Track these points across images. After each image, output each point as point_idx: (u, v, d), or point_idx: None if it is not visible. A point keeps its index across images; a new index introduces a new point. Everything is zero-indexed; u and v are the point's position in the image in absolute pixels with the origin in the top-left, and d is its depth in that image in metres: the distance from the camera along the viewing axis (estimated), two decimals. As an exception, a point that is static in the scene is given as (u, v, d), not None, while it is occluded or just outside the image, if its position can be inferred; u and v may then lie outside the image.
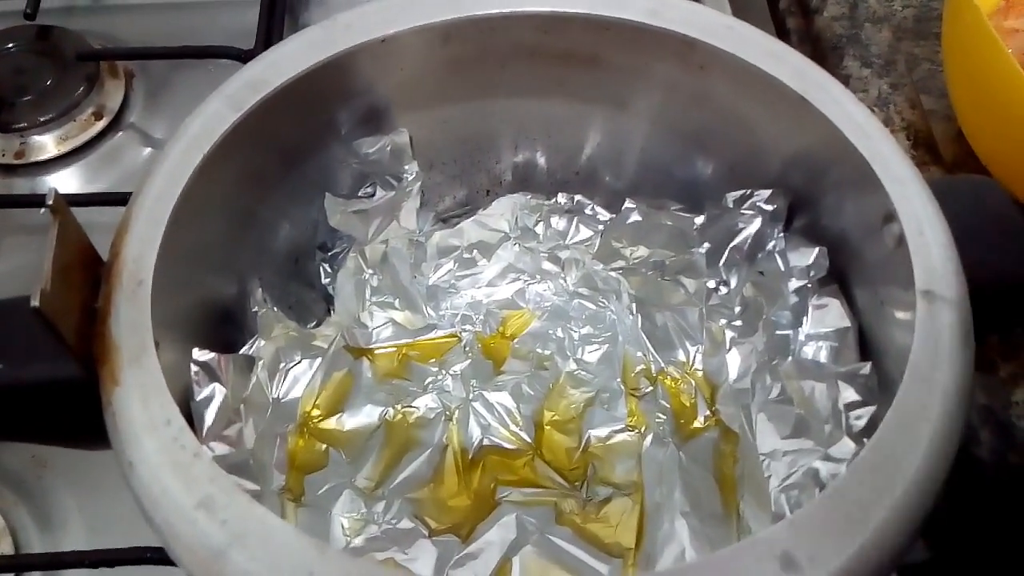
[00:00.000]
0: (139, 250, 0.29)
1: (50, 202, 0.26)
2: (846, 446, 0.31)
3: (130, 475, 0.25)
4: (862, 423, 0.31)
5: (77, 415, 0.28)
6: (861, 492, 0.24)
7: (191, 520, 0.24)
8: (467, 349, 0.40)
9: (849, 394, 0.32)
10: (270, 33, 0.51)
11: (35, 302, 0.24)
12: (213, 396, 0.29)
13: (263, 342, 0.35)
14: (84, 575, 0.39)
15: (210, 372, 0.29)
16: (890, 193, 0.30)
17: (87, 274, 0.28)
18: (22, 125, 0.51)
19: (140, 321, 0.27)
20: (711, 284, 0.39)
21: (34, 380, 0.28)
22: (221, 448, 0.30)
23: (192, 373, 0.29)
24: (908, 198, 0.30)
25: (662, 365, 0.40)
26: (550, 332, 0.41)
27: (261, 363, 0.35)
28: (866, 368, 0.32)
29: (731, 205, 0.37)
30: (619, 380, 0.39)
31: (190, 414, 0.30)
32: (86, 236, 0.28)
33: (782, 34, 0.57)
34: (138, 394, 0.26)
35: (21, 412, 0.29)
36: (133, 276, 0.28)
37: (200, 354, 0.30)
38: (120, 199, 0.44)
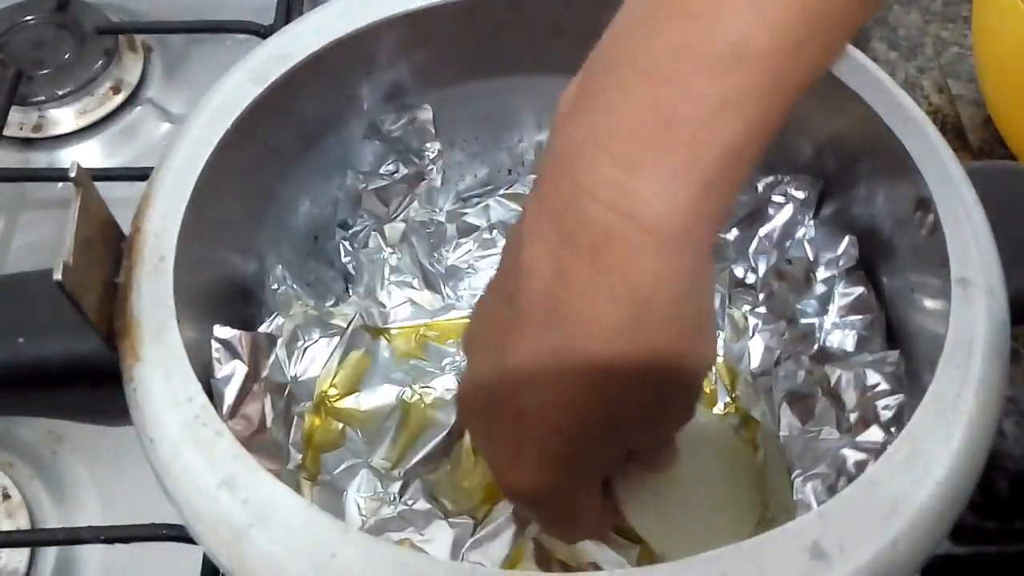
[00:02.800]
0: (161, 225, 0.28)
1: (73, 175, 0.26)
2: (874, 435, 0.30)
3: (151, 452, 0.25)
4: (891, 412, 0.31)
5: (97, 391, 0.28)
6: (893, 484, 0.24)
7: (213, 499, 0.23)
8: (485, 330, 0.40)
9: (877, 382, 0.31)
10: (289, 8, 0.51)
11: (57, 276, 0.24)
12: (234, 373, 0.29)
13: (282, 319, 0.35)
14: (99, 550, 0.40)
15: (231, 349, 0.29)
16: (926, 179, 0.30)
17: (109, 248, 0.28)
18: (40, 99, 0.51)
19: (162, 297, 0.27)
20: (739, 271, 0.38)
21: (54, 355, 0.28)
22: (240, 426, 0.29)
23: (213, 350, 0.29)
24: (944, 184, 0.29)
25: (681, 350, 0.39)
26: (569, 314, 0.40)
27: (280, 340, 0.34)
28: (894, 356, 0.32)
29: (761, 191, 0.37)
30: (639, 364, 0.39)
31: (210, 390, 0.29)
32: (108, 210, 0.28)
33: (807, 16, 0.56)
34: (160, 370, 0.26)
35: (41, 387, 0.29)
36: (155, 251, 0.28)
37: (221, 331, 0.29)
38: (139, 174, 0.44)
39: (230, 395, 0.28)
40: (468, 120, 0.40)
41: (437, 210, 0.40)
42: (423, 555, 0.22)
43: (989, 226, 0.29)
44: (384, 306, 0.40)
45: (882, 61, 0.51)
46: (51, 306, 0.26)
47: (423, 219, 0.40)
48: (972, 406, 0.25)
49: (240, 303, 0.35)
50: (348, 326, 0.38)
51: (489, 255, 0.41)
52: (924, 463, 0.24)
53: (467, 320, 0.40)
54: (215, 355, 0.29)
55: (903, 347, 0.32)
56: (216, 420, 0.25)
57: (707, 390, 0.38)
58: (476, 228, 0.41)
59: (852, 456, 0.30)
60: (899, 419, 0.31)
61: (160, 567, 0.39)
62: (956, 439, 0.25)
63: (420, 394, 0.38)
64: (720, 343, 0.39)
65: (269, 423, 0.32)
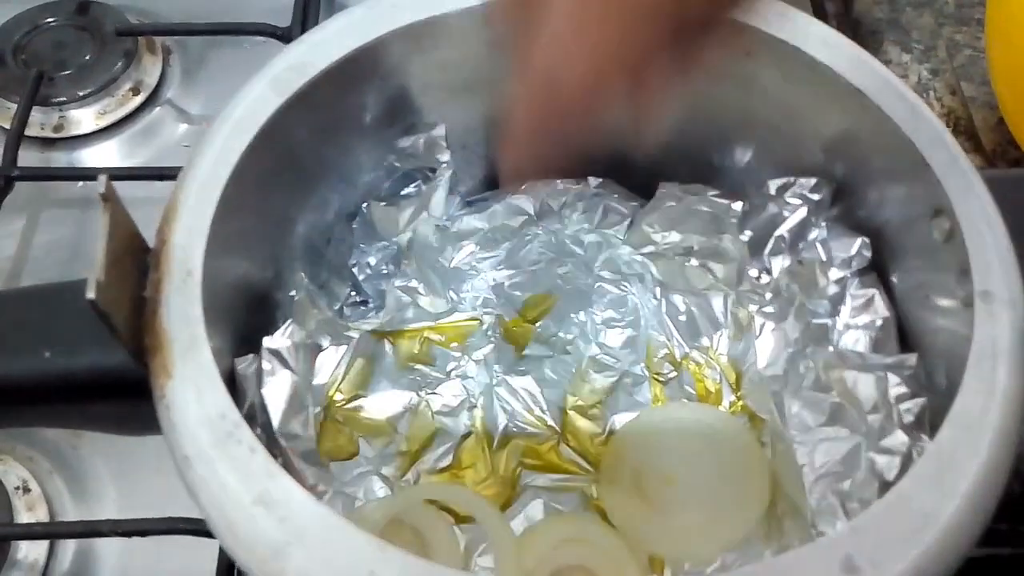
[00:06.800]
0: (187, 239, 0.28)
1: (101, 190, 0.25)
2: (898, 438, 0.30)
3: (186, 470, 0.25)
4: (912, 416, 0.31)
5: (123, 403, 0.28)
6: (923, 499, 0.24)
7: (249, 517, 0.24)
8: (489, 333, 0.40)
9: (897, 385, 0.32)
10: (306, 10, 0.51)
11: (91, 294, 0.24)
12: (284, 384, 0.29)
13: (295, 326, 0.35)
14: (117, 543, 0.40)
15: (281, 360, 0.29)
16: (946, 188, 0.30)
17: (135, 262, 0.28)
18: (61, 99, 0.52)
19: (191, 312, 0.27)
20: (753, 273, 0.38)
21: (81, 368, 0.28)
22: (291, 437, 0.29)
23: (263, 361, 0.29)
24: (965, 194, 0.30)
25: (686, 350, 0.39)
26: (572, 316, 0.40)
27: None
28: (912, 359, 0.32)
29: (774, 193, 0.37)
30: (643, 365, 0.39)
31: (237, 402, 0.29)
32: (134, 223, 0.28)
33: (820, 18, 0.56)
34: (192, 387, 0.26)
35: (67, 401, 0.29)
36: (182, 265, 0.28)
37: (270, 341, 0.29)
38: (158, 174, 0.44)
39: (281, 406, 0.28)
40: (478, 123, 0.39)
41: (443, 217, 0.40)
42: (460, 571, 0.22)
43: (1009, 237, 0.29)
44: (390, 310, 0.39)
45: (895, 63, 0.51)
46: (76, 318, 0.27)
47: (429, 226, 0.39)
48: (998, 419, 0.26)
49: (255, 311, 0.35)
50: (359, 335, 0.37)
51: (491, 257, 0.41)
52: (953, 477, 0.24)
53: (470, 323, 0.40)
54: (265, 367, 0.29)
55: (915, 349, 0.33)
56: (250, 437, 0.25)
57: (712, 389, 0.39)
58: (479, 230, 0.40)
59: (878, 459, 0.31)
60: (921, 422, 0.31)
61: (177, 560, 0.39)
62: (983, 453, 0.25)
63: (427, 400, 0.38)
64: (724, 342, 0.39)
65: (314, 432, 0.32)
